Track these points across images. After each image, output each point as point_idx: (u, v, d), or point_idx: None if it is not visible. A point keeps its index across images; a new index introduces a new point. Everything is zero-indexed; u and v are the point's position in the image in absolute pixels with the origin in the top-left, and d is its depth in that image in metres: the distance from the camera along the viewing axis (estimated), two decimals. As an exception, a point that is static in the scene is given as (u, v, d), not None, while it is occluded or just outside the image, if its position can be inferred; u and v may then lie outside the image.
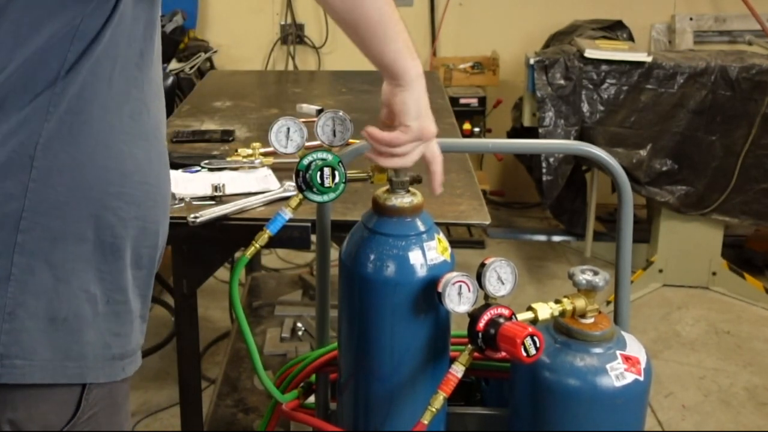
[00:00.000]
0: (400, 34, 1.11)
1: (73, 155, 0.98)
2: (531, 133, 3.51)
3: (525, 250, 3.95)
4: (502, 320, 1.14)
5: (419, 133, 1.17)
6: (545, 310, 1.22)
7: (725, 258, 3.51)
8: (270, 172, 1.92)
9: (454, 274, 1.18)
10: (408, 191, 1.27)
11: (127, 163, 1.03)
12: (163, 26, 3.89)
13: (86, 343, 1.02)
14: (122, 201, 1.03)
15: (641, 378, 1.22)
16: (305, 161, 1.23)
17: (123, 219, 1.03)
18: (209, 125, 2.39)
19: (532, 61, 3.40)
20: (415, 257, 1.22)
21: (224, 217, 1.65)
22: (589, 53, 3.31)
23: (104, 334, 1.04)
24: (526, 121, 3.56)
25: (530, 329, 1.11)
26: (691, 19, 4.23)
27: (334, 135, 1.25)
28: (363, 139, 1.20)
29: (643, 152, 3.34)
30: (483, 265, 1.20)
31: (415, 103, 1.15)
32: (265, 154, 2.00)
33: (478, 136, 3.93)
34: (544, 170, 3.37)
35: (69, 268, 1.00)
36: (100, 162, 1.00)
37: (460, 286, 1.17)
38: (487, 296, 1.19)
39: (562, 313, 1.23)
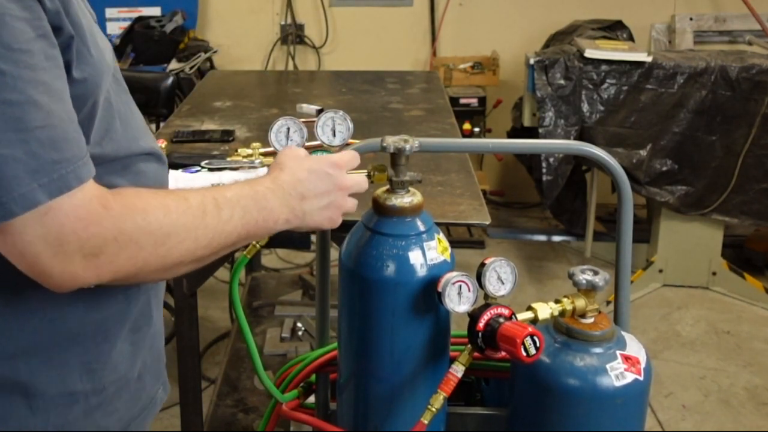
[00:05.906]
0: (240, 222, 0.95)
1: None
2: (531, 133, 3.51)
3: (525, 250, 3.95)
4: (502, 320, 1.14)
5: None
6: (545, 310, 1.21)
7: (725, 258, 3.51)
8: (270, 172, 1.91)
9: (454, 273, 1.18)
10: (408, 191, 1.26)
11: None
12: (162, 26, 3.90)
13: None
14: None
15: (641, 378, 1.21)
16: (305, 161, 1.22)
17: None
18: (209, 125, 2.39)
19: (532, 61, 3.40)
20: (415, 257, 1.22)
21: (224, 217, 1.64)
22: (589, 53, 3.31)
23: (119, 416, 0.98)
24: (526, 121, 3.56)
25: (530, 329, 1.11)
26: (691, 19, 4.23)
27: (334, 135, 1.24)
28: (363, 139, 1.20)
29: (643, 152, 3.34)
30: (483, 265, 1.20)
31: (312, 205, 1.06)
32: (265, 154, 2.00)
33: (478, 136, 3.94)
34: (544, 170, 3.37)
35: (41, 390, 0.90)
36: None
37: (460, 286, 1.17)
38: (487, 296, 1.19)
39: (562, 313, 1.23)
